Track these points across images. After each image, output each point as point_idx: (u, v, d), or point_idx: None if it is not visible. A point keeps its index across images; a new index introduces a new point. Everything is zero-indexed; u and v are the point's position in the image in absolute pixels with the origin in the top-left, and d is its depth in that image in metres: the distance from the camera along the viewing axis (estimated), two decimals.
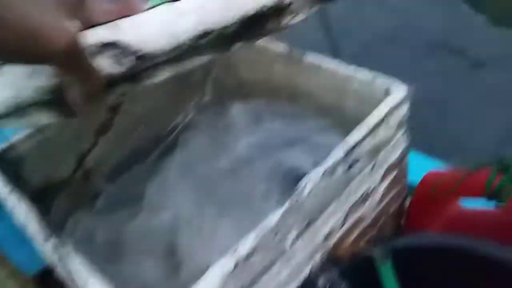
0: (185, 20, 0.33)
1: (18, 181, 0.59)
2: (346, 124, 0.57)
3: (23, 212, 0.47)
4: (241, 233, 0.46)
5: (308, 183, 0.41)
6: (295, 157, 0.49)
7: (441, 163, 0.65)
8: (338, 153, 0.44)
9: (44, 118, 0.32)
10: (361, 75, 0.53)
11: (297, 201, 0.40)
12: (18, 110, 0.30)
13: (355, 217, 0.49)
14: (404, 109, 0.49)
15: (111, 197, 0.60)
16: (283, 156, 0.50)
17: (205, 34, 0.34)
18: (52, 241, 0.43)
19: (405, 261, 0.46)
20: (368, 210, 0.51)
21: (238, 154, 0.53)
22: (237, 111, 0.58)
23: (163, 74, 0.35)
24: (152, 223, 0.52)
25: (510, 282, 0.43)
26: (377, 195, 0.51)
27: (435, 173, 0.55)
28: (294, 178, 0.50)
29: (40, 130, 0.56)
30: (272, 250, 0.40)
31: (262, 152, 0.53)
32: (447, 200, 0.56)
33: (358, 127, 0.46)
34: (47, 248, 0.43)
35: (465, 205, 0.57)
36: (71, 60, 0.26)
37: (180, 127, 0.71)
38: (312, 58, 0.58)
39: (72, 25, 0.26)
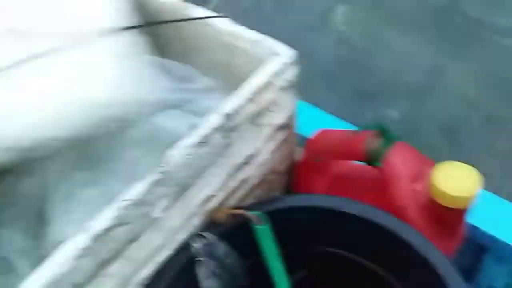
0: None
1: None
2: (237, 84, 0.55)
3: None
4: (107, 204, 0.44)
5: (177, 152, 0.40)
6: (172, 121, 0.47)
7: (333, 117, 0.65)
8: (212, 120, 0.42)
9: None
10: (250, 34, 0.50)
11: (164, 172, 0.39)
12: None
13: (238, 179, 0.49)
14: (291, 73, 0.48)
15: None
16: (160, 120, 0.47)
17: None
18: None
19: (281, 221, 0.46)
20: (253, 171, 0.51)
21: None
22: None
23: None
24: (19, 188, 0.49)
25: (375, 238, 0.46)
26: (263, 156, 0.51)
27: (324, 132, 0.56)
28: (170, 144, 0.48)
29: None
30: (138, 222, 0.39)
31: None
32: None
33: (237, 91, 0.44)
34: None
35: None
36: None
37: None
38: (199, 11, 0.54)
39: None
